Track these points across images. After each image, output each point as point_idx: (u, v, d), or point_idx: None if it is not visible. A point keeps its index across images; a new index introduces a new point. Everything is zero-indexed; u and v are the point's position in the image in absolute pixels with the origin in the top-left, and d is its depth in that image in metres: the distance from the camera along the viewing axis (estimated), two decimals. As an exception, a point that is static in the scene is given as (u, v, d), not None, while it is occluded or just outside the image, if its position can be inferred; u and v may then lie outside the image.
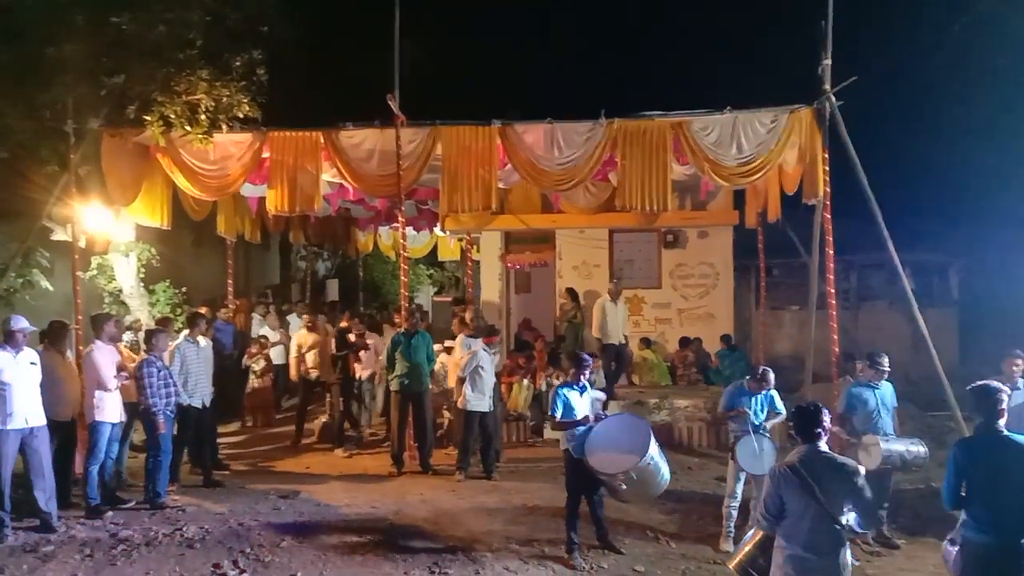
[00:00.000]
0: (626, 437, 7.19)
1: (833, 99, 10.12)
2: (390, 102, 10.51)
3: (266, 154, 11.06)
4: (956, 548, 5.08)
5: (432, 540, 7.89)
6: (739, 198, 14.26)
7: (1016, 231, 17.62)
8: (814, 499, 4.63)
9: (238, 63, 10.27)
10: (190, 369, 9.42)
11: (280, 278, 20.64)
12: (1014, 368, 7.62)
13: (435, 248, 19.52)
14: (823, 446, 4.82)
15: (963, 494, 4.98)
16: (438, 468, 10.38)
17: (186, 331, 9.92)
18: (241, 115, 10.33)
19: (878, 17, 18.82)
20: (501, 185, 11.55)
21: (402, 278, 11.27)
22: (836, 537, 4.68)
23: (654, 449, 7.07)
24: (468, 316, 12.33)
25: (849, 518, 4.70)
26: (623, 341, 12.91)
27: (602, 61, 25.02)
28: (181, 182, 11.10)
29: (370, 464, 10.82)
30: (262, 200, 12.16)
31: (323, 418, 12.07)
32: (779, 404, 7.85)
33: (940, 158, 19.64)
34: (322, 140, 10.92)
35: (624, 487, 7.03)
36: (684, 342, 14.07)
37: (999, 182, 18.14)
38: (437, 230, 17.13)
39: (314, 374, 11.82)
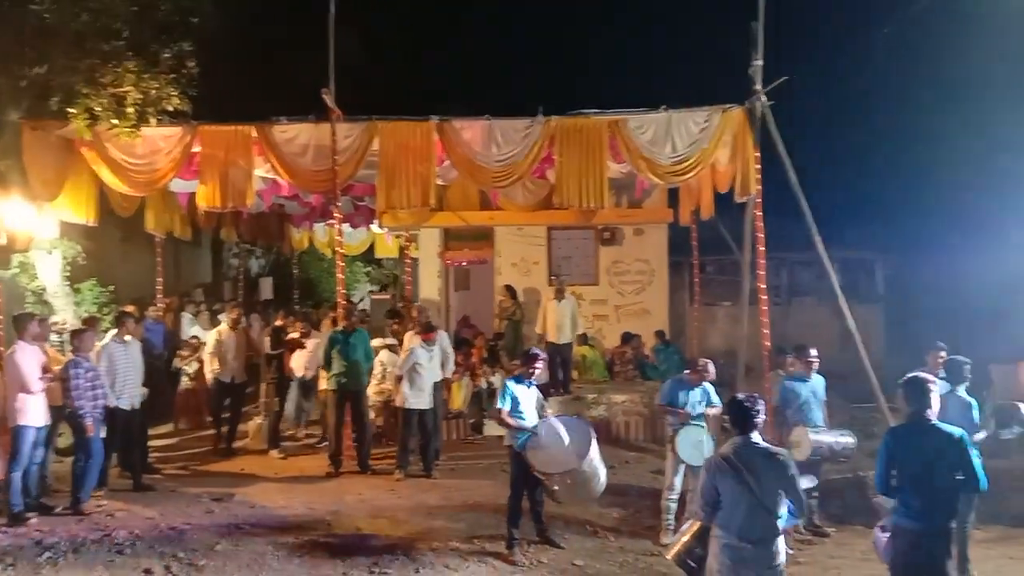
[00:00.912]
0: (569, 439, 7.25)
1: (764, 99, 10.36)
2: (325, 96, 10.37)
3: (196, 148, 10.80)
4: (887, 535, 5.26)
5: (371, 540, 7.82)
6: (673, 196, 14.50)
7: (939, 229, 18.35)
8: (748, 489, 4.74)
9: (167, 55, 9.99)
10: (117, 370, 9.11)
11: (212, 276, 20.16)
12: (938, 361, 7.91)
13: (372, 245, 19.32)
14: (757, 437, 4.92)
15: (893, 481, 5.15)
16: (377, 467, 10.28)
17: (113, 331, 9.60)
18: (170, 108, 10.06)
19: (810, 20, 19.33)
20: (439, 182, 11.51)
21: (339, 275, 11.13)
22: (770, 526, 4.79)
23: (595, 453, 7.13)
24: (415, 314, 12.19)
25: (782, 508, 4.82)
26: (564, 341, 12.58)
27: (539, 58, 25.14)
28: (107, 177, 10.75)
29: (307, 465, 10.65)
30: (192, 196, 11.87)
31: (258, 419, 11.82)
32: (714, 397, 8.01)
33: (868, 158, 20.33)
34: (255, 134, 10.72)
35: (559, 488, 7.08)
36: (626, 337, 14.22)
37: (923, 181, 18.86)
38: (374, 227, 16.94)
39: (227, 377, 11.12)
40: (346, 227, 16.63)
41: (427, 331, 10.22)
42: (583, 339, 14.04)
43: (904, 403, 5.29)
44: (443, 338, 10.94)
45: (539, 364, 7.64)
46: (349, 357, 10.10)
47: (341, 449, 10.26)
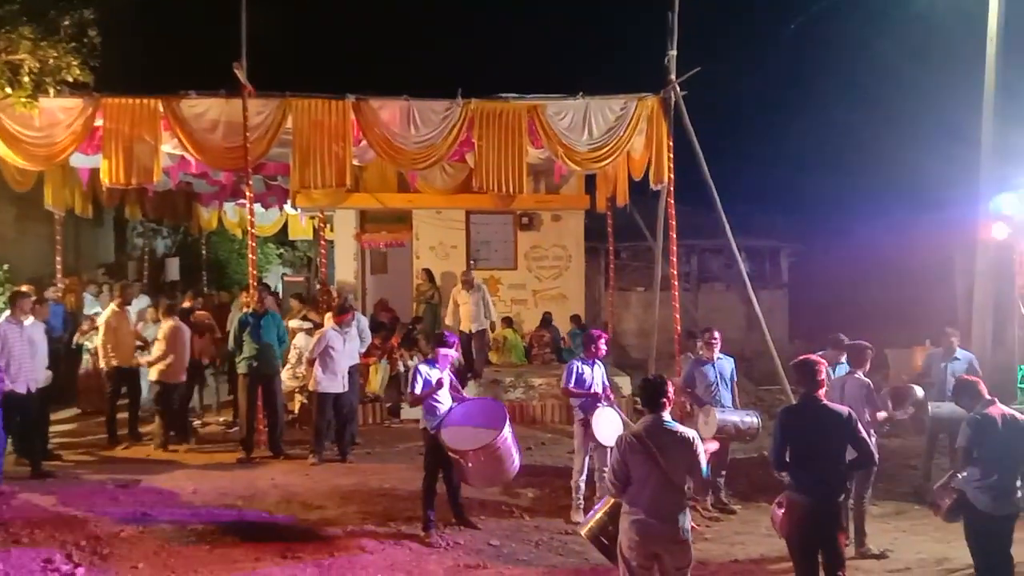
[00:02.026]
0: (483, 420, 7.28)
1: (678, 89, 10.59)
2: (237, 71, 10.08)
3: (99, 122, 10.33)
4: (783, 510, 5.50)
5: (284, 525, 7.70)
6: (590, 183, 14.70)
7: (841, 219, 19.18)
8: (657, 467, 4.87)
9: (67, 22, 9.50)
10: (12, 352, 8.65)
11: (115, 256, 19.34)
12: (839, 348, 8.24)
13: (286, 226, 18.90)
14: (667, 416, 5.06)
15: (788, 458, 5.38)
16: (291, 452, 10.12)
17: (7, 312, 9.11)
18: (71, 79, 9.58)
19: (723, 13, 19.82)
20: (356, 162, 11.34)
21: (250, 256, 10.85)
22: (677, 502, 4.94)
23: (508, 435, 7.18)
24: (335, 296, 12.00)
25: (688, 485, 4.98)
26: (478, 328, 12.57)
27: (457, 40, 24.92)
28: (2, 150, 10.17)
29: (218, 450, 10.39)
30: (95, 171, 11.36)
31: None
32: (607, 377, 8.20)
33: (775, 149, 21.04)
34: (162, 108, 10.33)
35: (473, 466, 7.11)
36: (546, 321, 14.35)
37: (827, 172, 19.66)
38: (287, 207, 16.57)
39: (114, 361, 10.43)
40: (258, 207, 16.20)
41: (341, 313, 10.09)
42: (508, 321, 14.12)
43: (797, 384, 5.53)
44: (360, 321, 10.83)
45: (452, 346, 7.66)
46: (261, 340, 9.88)
47: (253, 434, 10.04)
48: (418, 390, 7.39)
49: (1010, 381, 9.49)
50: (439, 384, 7.41)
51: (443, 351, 7.59)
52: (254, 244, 11.00)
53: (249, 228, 11.03)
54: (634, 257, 18.16)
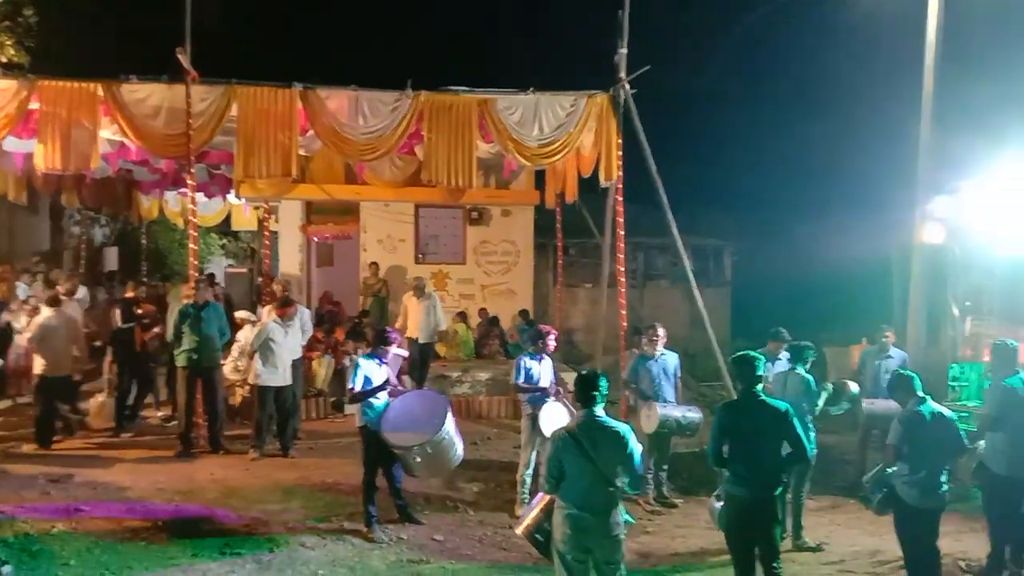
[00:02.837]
0: (423, 412, 7.24)
1: (628, 87, 10.67)
2: (180, 56, 9.84)
3: (35, 105, 9.95)
4: (721, 503, 5.59)
5: (223, 520, 7.58)
6: (540, 179, 14.71)
7: (783, 218, 19.59)
8: (590, 462, 4.91)
9: (1, 1, 9.15)
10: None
11: (50, 245, 18.76)
12: (779, 347, 8.41)
13: (229, 217, 18.52)
14: (600, 412, 5.10)
15: (725, 453, 5.48)
16: (231, 447, 9.94)
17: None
18: (4, 59, 9.24)
19: (673, 12, 20.03)
20: (302, 152, 11.16)
21: (191, 246, 10.62)
22: (609, 497, 4.99)
23: (450, 425, 7.16)
24: (278, 289, 11.79)
25: (623, 480, 5.03)
26: (426, 340, 12.28)
27: (407, 33, 24.73)
28: (-72, 132, 9.77)
29: (156, 444, 10.16)
30: (29, 157, 10.94)
31: (100, 396, 11.12)
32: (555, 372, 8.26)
33: (720, 148, 21.38)
34: (101, 93, 10.01)
35: (418, 459, 7.08)
36: (491, 322, 14.34)
37: (770, 172, 20.04)
38: (231, 197, 16.23)
39: (55, 372, 9.71)
40: (201, 196, 15.87)
41: (283, 306, 9.94)
42: (461, 316, 14.07)
43: (736, 379, 5.63)
44: (303, 314, 10.69)
45: (391, 345, 7.61)
46: (201, 332, 9.68)
47: (192, 428, 9.84)
48: (357, 385, 7.31)
49: (942, 379, 9.79)
50: (385, 384, 7.34)
51: (386, 348, 7.52)
52: (195, 234, 10.78)
53: (190, 218, 10.79)
54: (582, 254, 18.28)
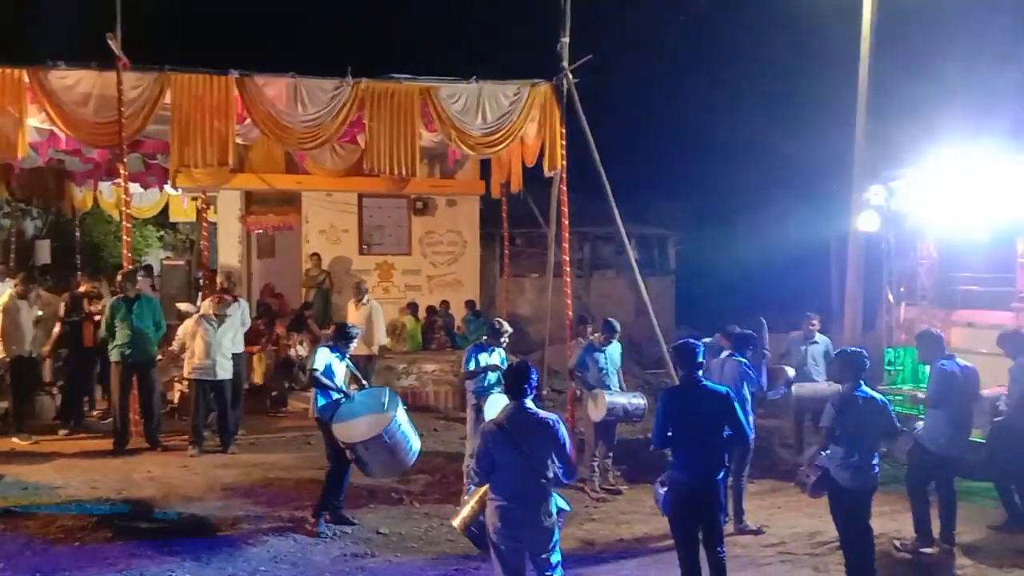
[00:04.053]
0: (376, 408, 7.15)
1: (570, 76, 10.66)
2: (110, 42, 9.54)
3: (-44, 92, 9.54)
4: (665, 489, 5.64)
5: (161, 519, 7.40)
6: (485, 168, 14.63)
7: (724, 207, 19.88)
8: (519, 453, 4.91)
9: (-84, -20, 8.73)
10: None
11: (-23, 238, 18.06)
12: (723, 342, 8.54)
13: (167, 207, 18.04)
14: (529, 403, 5.09)
15: (668, 437, 5.52)
16: (169, 444, 9.71)
17: None
18: (-80, 43, 8.81)
19: (615, 1, 20.10)
20: (240, 140, 10.94)
21: (125, 239, 10.31)
22: (540, 488, 4.99)
23: (402, 422, 7.07)
24: (221, 281, 11.48)
25: (554, 470, 5.03)
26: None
27: (346, 20, 24.27)
28: None
29: (90, 442, 9.88)
30: (-49, 146, 10.49)
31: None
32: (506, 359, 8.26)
33: (664, 138, 21.58)
34: (27, 79, 9.64)
35: (369, 456, 6.98)
36: (431, 311, 14.24)
37: (712, 162, 20.30)
38: (168, 188, 15.81)
39: (25, 351, 9.86)
40: (136, 187, 15.45)
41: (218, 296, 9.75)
42: (412, 308, 13.92)
43: (677, 366, 5.69)
44: (242, 307, 10.48)
45: (351, 340, 7.52)
46: (133, 326, 9.41)
47: (128, 425, 9.58)
48: (320, 367, 7.18)
49: (878, 363, 10.03)
50: (338, 372, 7.25)
51: (347, 343, 7.43)
52: (129, 226, 10.50)
53: (124, 208, 10.48)
54: (529, 243, 18.26)
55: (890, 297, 10.46)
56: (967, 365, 6.79)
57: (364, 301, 11.52)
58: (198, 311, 10.72)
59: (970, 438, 6.97)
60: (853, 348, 6.32)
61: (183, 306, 11.12)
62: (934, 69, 16.04)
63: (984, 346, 8.32)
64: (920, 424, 6.76)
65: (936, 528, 6.82)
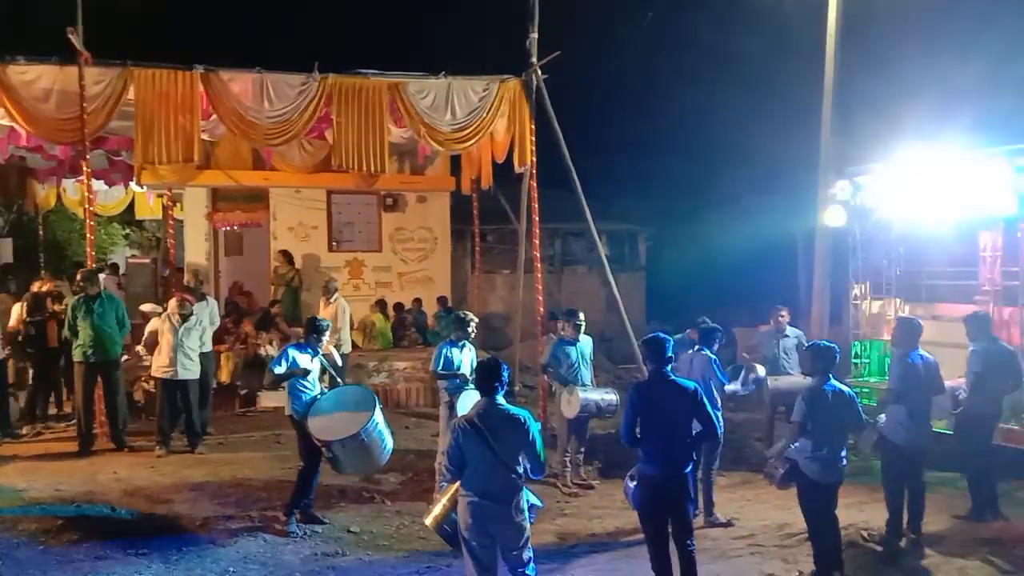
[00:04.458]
0: (352, 407, 7.10)
1: (539, 72, 10.66)
2: (71, 36, 9.36)
3: (-89, 87, 9.32)
4: (635, 483, 5.66)
5: (128, 520, 7.31)
6: (455, 164, 14.58)
7: (693, 203, 20.01)
8: (489, 449, 4.91)
9: None
10: None
11: (-64, 236, 17.67)
12: (694, 336, 8.59)
13: (132, 205, 17.77)
14: (500, 399, 5.10)
15: (638, 432, 5.54)
16: (135, 445, 9.58)
17: None
18: None
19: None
20: (206, 137, 10.81)
21: (89, 237, 10.14)
22: (511, 484, 4.99)
23: (378, 420, 7.02)
24: (188, 280, 11.34)
25: (524, 466, 5.04)
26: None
27: (313, 15, 24.07)
28: None
29: (55, 444, 9.73)
30: (-92, 143, 10.27)
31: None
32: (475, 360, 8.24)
33: (635, 134, 21.67)
34: (-15, 75, 9.43)
35: (344, 454, 6.93)
36: (399, 308, 14.17)
37: (681, 158, 20.42)
38: (133, 185, 15.57)
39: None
40: (101, 184, 15.22)
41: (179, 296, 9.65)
42: (380, 306, 13.83)
43: (647, 361, 5.71)
44: (211, 306, 10.37)
45: (323, 335, 7.44)
46: (96, 325, 9.26)
47: (92, 426, 9.43)
48: (278, 370, 7.11)
49: (845, 357, 10.16)
50: (306, 371, 7.15)
51: (319, 337, 7.35)
52: (93, 224, 10.32)
53: (87, 206, 10.30)
54: (500, 240, 18.23)
55: (856, 291, 10.58)
56: (929, 358, 6.89)
57: (332, 300, 11.42)
58: (165, 310, 10.60)
59: (932, 429, 7.07)
60: (825, 342, 6.38)
61: (147, 307, 10.95)
62: (898, 66, 16.30)
63: (949, 338, 8.44)
64: (883, 417, 6.84)
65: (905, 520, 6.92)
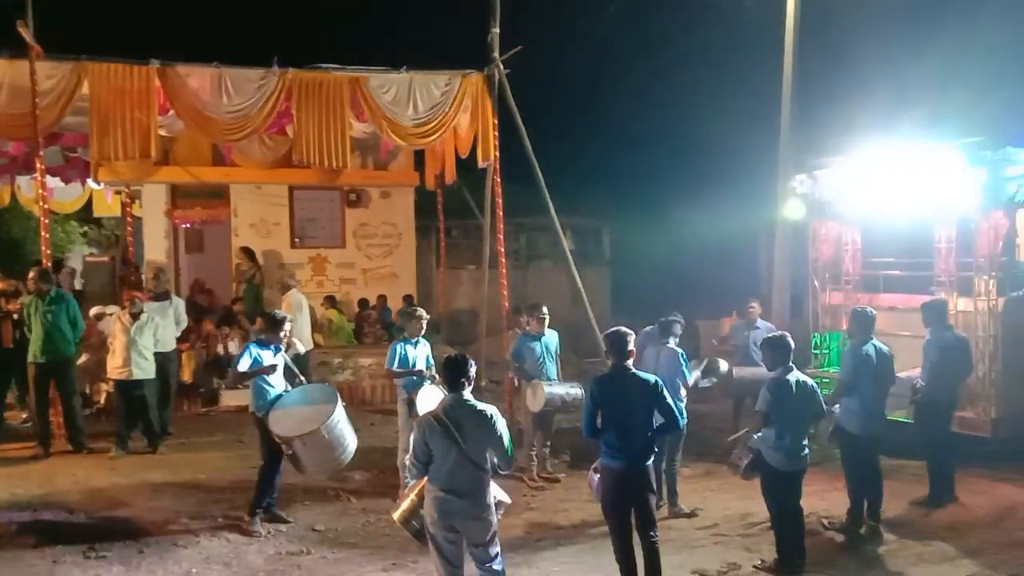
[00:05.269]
0: (314, 403, 7.05)
1: (501, 66, 10.65)
2: (21, 30, 9.16)
3: None
4: (598, 475, 5.70)
5: (87, 524, 7.17)
6: (419, 159, 14.51)
7: (657, 197, 20.14)
8: (456, 444, 4.90)
9: None
10: None
11: None
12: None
13: (90, 202, 17.42)
14: (467, 395, 5.09)
15: (598, 425, 5.58)
16: (95, 447, 9.41)
17: None
18: None
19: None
20: (164, 132, 10.63)
21: (43, 235, 9.93)
22: (477, 480, 4.99)
23: (339, 418, 6.97)
24: (149, 279, 11.14)
25: (491, 461, 5.04)
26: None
27: (275, 7, 23.71)
28: None
29: (10, 447, 9.50)
30: None
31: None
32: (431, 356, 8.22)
33: (599, 129, 21.73)
34: (-67, 69, 9.19)
35: (305, 451, 6.86)
36: (363, 304, 14.07)
37: (644, 152, 20.52)
38: (91, 182, 15.27)
39: None
40: (57, 181, 14.90)
41: (158, 298, 9.51)
42: (332, 301, 13.71)
43: (608, 354, 5.75)
44: (175, 304, 10.23)
45: (284, 330, 7.35)
46: (48, 324, 9.06)
47: (48, 427, 9.24)
48: (242, 366, 7.04)
49: (806, 348, 10.31)
50: (272, 368, 7.07)
51: (279, 334, 7.26)
52: (47, 222, 10.10)
53: (42, 204, 10.08)
54: (465, 235, 18.20)
55: (816, 283, 10.74)
56: (883, 348, 7.02)
57: (285, 297, 11.36)
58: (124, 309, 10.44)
59: (887, 418, 7.20)
60: (777, 334, 6.52)
61: (95, 310, 10.76)
62: (856, 62, 16.55)
63: (906, 329, 8.62)
64: (837, 407, 6.96)
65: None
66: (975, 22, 15.09)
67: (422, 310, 8.25)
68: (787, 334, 6.36)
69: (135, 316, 9.22)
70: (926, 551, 6.55)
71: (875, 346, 6.96)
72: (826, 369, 10.09)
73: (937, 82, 15.31)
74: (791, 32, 11.60)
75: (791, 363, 6.16)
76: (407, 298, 14.26)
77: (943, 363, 7.47)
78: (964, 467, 7.86)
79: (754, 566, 6.22)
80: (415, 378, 7.84)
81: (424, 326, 8.03)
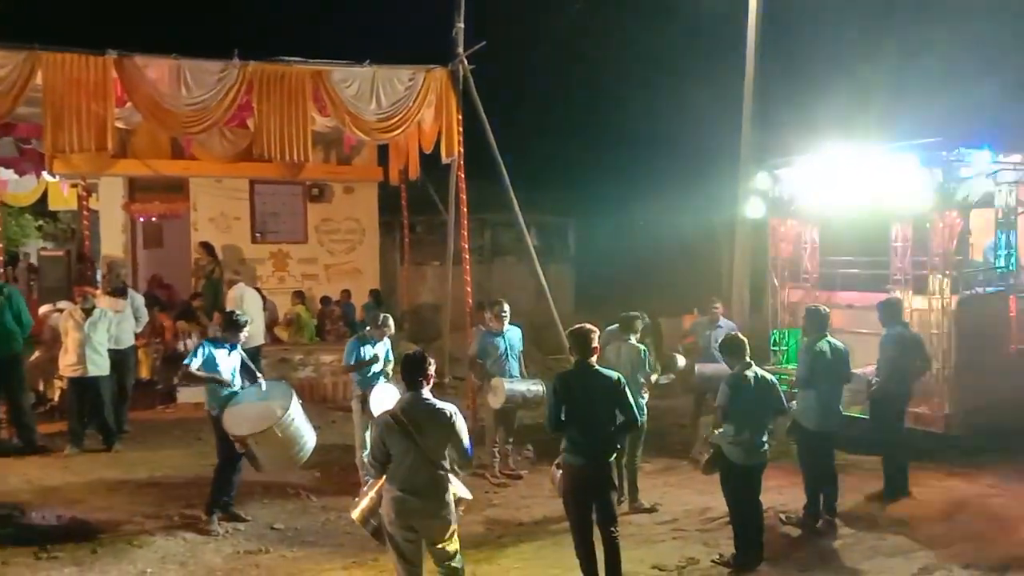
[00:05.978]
0: (267, 400, 6.99)
1: (466, 62, 10.60)
2: (-29, 17, 8.87)
3: None
4: (560, 471, 5.72)
5: (39, 523, 7.01)
6: (383, 155, 14.40)
7: (620, 194, 20.23)
8: (414, 444, 4.88)
9: None
10: None
11: None
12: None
13: (46, 195, 17.03)
14: (426, 393, 5.06)
15: (562, 420, 5.59)
16: (49, 445, 9.21)
17: None
18: None
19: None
20: (121, 125, 10.39)
21: (-3, 228, 9.68)
22: (436, 479, 4.97)
23: (295, 415, 6.89)
24: (105, 274, 10.92)
25: (450, 459, 5.04)
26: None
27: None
28: None
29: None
30: None
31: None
32: (391, 353, 8.20)
33: (563, 125, 21.75)
34: None
35: (259, 450, 6.78)
36: (325, 301, 13.95)
37: (606, 148, 20.59)
38: (46, 174, 14.93)
39: None
40: (11, 173, 14.56)
41: (117, 294, 9.33)
42: (299, 296, 13.55)
43: (572, 351, 5.78)
44: (134, 300, 10.05)
45: (244, 332, 7.30)
46: None
47: (-2, 425, 9.04)
48: (194, 366, 6.95)
49: (765, 344, 10.43)
50: (224, 364, 7.01)
51: (237, 333, 7.19)
52: (1, 215, 9.82)
53: (-7, 197, 9.83)
54: (429, 231, 18.11)
55: (775, 280, 10.86)
56: (838, 345, 7.13)
57: (231, 290, 11.25)
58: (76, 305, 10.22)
59: (844, 414, 7.32)
60: (731, 333, 6.70)
61: (44, 309, 10.53)
62: (815, 62, 16.77)
63: (863, 326, 8.75)
64: (794, 403, 7.06)
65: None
66: (930, 24, 15.39)
67: (391, 321, 8.23)
68: (737, 333, 6.47)
69: (87, 312, 9.04)
70: (881, 544, 6.67)
71: (830, 343, 7.07)
72: (785, 365, 10.20)
73: (894, 83, 15.59)
74: (753, 31, 11.72)
75: (748, 359, 6.23)
76: (373, 293, 14.18)
77: (898, 358, 7.60)
78: (918, 462, 8.01)
79: (712, 560, 6.29)
80: (369, 375, 7.83)
81: (387, 334, 7.99)
